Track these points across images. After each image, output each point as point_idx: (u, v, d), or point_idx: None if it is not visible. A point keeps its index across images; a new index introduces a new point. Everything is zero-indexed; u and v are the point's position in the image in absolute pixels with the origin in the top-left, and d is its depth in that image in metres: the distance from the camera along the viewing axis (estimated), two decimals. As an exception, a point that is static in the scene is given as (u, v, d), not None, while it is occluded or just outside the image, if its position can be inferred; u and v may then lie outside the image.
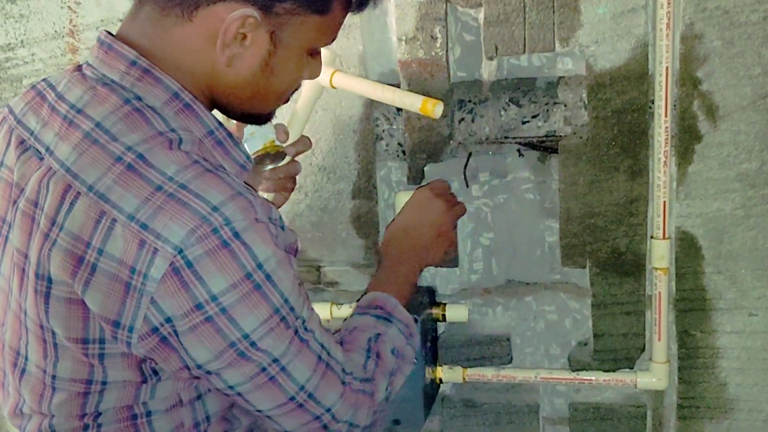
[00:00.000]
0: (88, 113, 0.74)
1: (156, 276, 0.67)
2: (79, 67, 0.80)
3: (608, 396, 1.40)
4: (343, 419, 0.82)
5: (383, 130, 1.36)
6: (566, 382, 1.36)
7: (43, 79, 0.84)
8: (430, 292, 1.39)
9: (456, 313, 1.35)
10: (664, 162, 1.22)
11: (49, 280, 0.72)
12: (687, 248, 1.29)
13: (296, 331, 0.77)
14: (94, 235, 0.69)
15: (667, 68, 1.18)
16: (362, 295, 1.00)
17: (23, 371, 0.80)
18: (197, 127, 0.77)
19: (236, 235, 0.69)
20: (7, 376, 0.83)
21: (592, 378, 1.34)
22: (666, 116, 1.20)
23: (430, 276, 1.41)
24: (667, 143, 1.21)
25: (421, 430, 1.45)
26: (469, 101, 1.30)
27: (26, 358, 0.79)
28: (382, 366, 0.88)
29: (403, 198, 1.21)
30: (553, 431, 1.44)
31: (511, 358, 1.41)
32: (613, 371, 1.34)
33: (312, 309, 0.81)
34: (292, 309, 0.76)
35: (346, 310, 1.38)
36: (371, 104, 1.34)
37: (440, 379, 1.38)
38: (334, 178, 1.38)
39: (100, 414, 0.77)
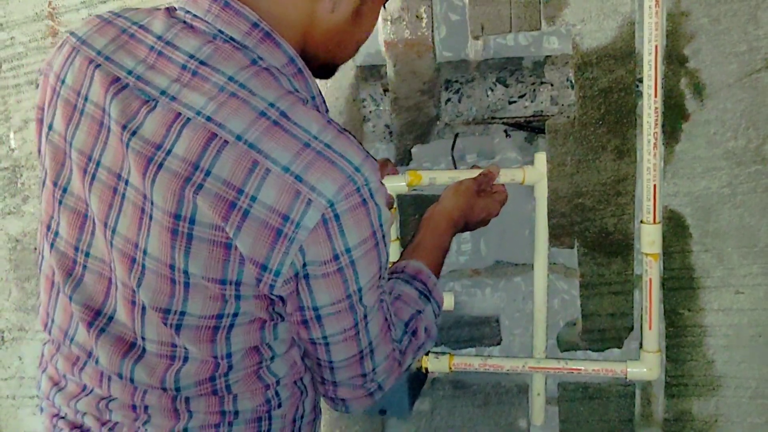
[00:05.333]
0: (214, 66, 0.76)
1: (309, 225, 0.73)
2: (169, 11, 0.81)
3: (597, 375, 1.40)
4: (378, 380, 0.87)
5: (370, 111, 1.35)
6: (555, 371, 1.32)
7: (114, 13, 0.84)
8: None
9: (442, 300, 1.34)
10: (654, 144, 1.19)
11: (192, 221, 0.74)
12: (675, 227, 1.29)
13: (382, 290, 0.83)
14: (247, 182, 0.72)
15: (656, 47, 1.15)
16: (402, 256, 1.05)
17: (143, 311, 0.80)
18: (305, 91, 0.81)
19: (371, 195, 0.76)
20: (121, 320, 0.82)
21: (581, 368, 1.30)
22: (656, 96, 1.17)
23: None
24: (657, 124, 1.18)
25: (407, 418, 1.44)
26: (456, 81, 1.29)
27: (141, 301, 0.79)
28: (414, 343, 0.93)
29: None
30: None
31: (500, 339, 1.41)
32: (602, 351, 1.34)
33: None
34: (385, 269, 0.82)
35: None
36: (358, 86, 1.33)
37: (426, 369, 1.35)
38: (320, 161, 1.37)
39: (231, 355, 0.81)
